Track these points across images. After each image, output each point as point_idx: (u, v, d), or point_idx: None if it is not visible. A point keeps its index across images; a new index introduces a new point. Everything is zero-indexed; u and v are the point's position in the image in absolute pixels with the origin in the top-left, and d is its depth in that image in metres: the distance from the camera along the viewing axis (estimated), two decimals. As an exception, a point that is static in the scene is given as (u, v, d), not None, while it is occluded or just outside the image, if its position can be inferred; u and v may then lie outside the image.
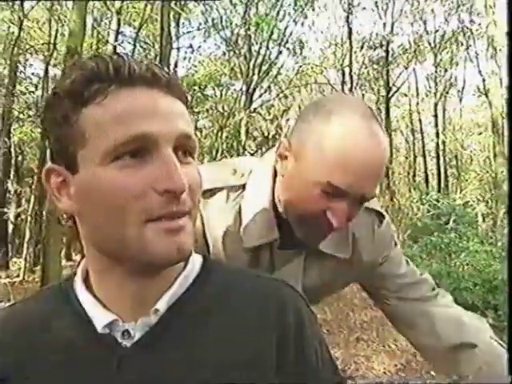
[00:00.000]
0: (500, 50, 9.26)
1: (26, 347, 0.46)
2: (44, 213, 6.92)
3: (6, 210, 9.57)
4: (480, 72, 11.95)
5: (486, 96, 9.75)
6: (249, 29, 10.60)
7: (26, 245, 9.18)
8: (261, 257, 0.81)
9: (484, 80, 10.74)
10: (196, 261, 0.51)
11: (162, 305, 0.45)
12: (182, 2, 10.87)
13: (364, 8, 12.39)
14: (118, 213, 0.41)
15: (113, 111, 0.41)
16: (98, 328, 0.45)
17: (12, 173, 10.72)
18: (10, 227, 11.87)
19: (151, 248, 0.41)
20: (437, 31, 13.03)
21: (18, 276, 8.14)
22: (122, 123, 0.41)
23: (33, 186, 10.54)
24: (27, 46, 10.55)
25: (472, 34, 12.66)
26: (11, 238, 12.06)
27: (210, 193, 0.80)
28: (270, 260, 0.81)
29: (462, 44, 13.05)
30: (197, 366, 0.44)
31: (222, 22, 11.18)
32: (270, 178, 0.79)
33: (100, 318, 0.46)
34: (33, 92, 11.02)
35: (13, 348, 0.46)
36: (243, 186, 0.81)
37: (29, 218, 9.49)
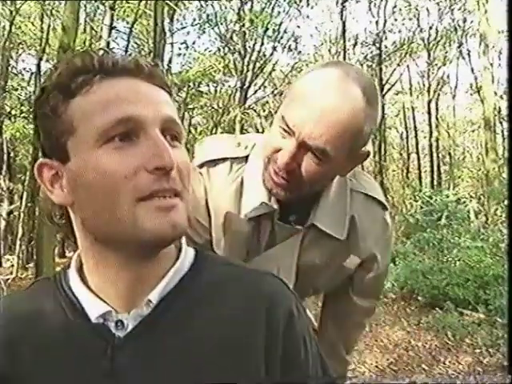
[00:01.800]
0: (493, 47, 9.32)
1: (19, 338, 0.47)
2: (37, 210, 6.88)
3: (-2, 206, 9.49)
4: (472, 69, 12.04)
5: (479, 93, 9.82)
6: (243, 25, 10.56)
7: (18, 242, 9.11)
8: (262, 229, 0.82)
9: (476, 78, 10.81)
10: (188, 253, 0.52)
11: (154, 296, 0.46)
12: (176, -2, 10.80)
13: (358, 1, 12.36)
14: (111, 194, 0.42)
15: (98, 99, 0.43)
16: (92, 318, 0.46)
17: (4, 169, 10.61)
18: (3, 224, 11.77)
19: (144, 225, 0.42)
20: (430, 28, 13.08)
21: (11, 273, 8.09)
22: (106, 108, 0.42)
23: (25, 183, 10.44)
24: (18, 41, 10.42)
25: (464, 31, 12.72)
26: (3, 234, 11.96)
27: (214, 163, 0.83)
28: (270, 233, 0.82)
29: (454, 41, 13.11)
30: (189, 356, 0.45)
31: (216, 17, 11.12)
32: None
33: (94, 308, 0.46)
34: (25, 87, 10.90)
35: (6, 340, 0.47)
36: (246, 158, 0.83)
37: (21, 215, 9.42)
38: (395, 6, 12.76)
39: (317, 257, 0.84)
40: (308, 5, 10.72)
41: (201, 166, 0.84)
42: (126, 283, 0.46)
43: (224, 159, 0.83)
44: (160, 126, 0.44)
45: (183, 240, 0.52)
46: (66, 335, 0.46)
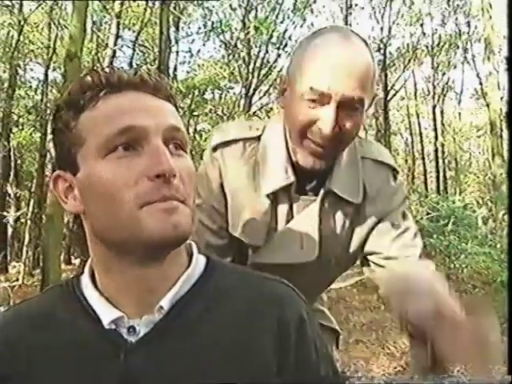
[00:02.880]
0: (499, 51, 9.32)
1: (32, 345, 0.48)
2: (43, 216, 6.92)
3: (5, 213, 9.57)
4: (478, 74, 12.01)
5: (484, 99, 9.79)
6: (248, 32, 10.65)
7: (25, 248, 9.17)
8: (279, 204, 0.84)
9: (481, 83, 10.79)
10: (199, 260, 0.53)
11: (165, 302, 0.47)
12: (182, 6, 10.92)
13: (362, 8, 12.45)
14: (115, 202, 0.44)
15: (103, 112, 0.46)
16: (105, 324, 0.47)
17: (11, 176, 10.72)
18: (10, 231, 11.86)
19: (147, 228, 0.44)
20: (434, 34, 13.10)
21: (17, 280, 8.13)
22: (111, 119, 0.45)
23: (32, 190, 10.54)
24: (26, 50, 10.58)
25: (469, 36, 12.72)
26: (10, 241, 12.04)
27: (227, 145, 0.85)
28: (288, 208, 0.84)
29: (459, 47, 13.12)
30: (199, 362, 0.46)
31: (221, 25, 11.23)
32: (282, 127, 0.84)
33: (106, 314, 0.47)
34: (32, 96, 11.04)
35: (20, 347, 0.48)
36: (259, 138, 0.85)
37: (28, 222, 9.49)
38: (398, 12, 12.81)
39: (335, 223, 0.85)
40: (312, 13, 10.79)
41: (214, 149, 0.86)
42: (137, 289, 0.47)
43: (236, 140, 0.85)
44: (162, 135, 0.46)
45: (194, 247, 0.53)
46: (78, 340, 0.47)
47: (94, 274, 0.51)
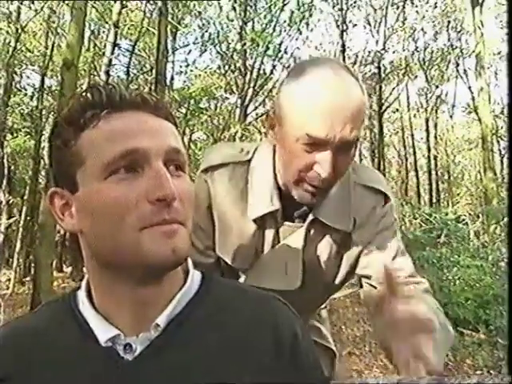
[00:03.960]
0: (488, 68, 9.49)
1: (29, 363, 0.47)
2: (35, 224, 6.85)
3: (-4, 220, 9.46)
4: (470, 88, 12.21)
5: (476, 113, 9.94)
6: (245, 44, 10.75)
7: (16, 256, 9.04)
8: (266, 229, 0.83)
9: (473, 98, 10.97)
10: (195, 277, 0.53)
11: (162, 320, 0.47)
12: (179, 16, 11.03)
13: (355, 25, 12.65)
14: (115, 223, 0.44)
15: (105, 132, 0.46)
16: (101, 342, 0.47)
17: (4, 183, 10.63)
18: (1, 238, 11.71)
19: (147, 251, 0.44)
20: (426, 49, 13.33)
21: (7, 288, 8.00)
22: (113, 141, 0.45)
23: (25, 197, 10.45)
24: (23, 58, 10.58)
25: (462, 51, 12.97)
26: (1, 248, 11.88)
27: (217, 168, 0.85)
28: (274, 233, 0.83)
29: (450, 61, 13.36)
30: (196, 378, 0.46)
31: (218, 36, 11.33)
32: (271, 152, 0.83)
33: (103, 332, 0.47)
34: (28, 103, 11.01)
35: (15, 363, 0.47)
36: (249, 162, 0.85)
37: (20, 229, 9.38)
38: (392, 27, 13.04)
39: (322, 250, 0.84)
40: (308, 26, 10.94)
41: (205, 171, 0.87)
42: (133, 308, 0.47)
43: (227, 164, 0.85)
44: (163, 157, 0.46)
45: (190, 264, 0.54)
46: (74, 358, 0.47)
47: (90, 290, 0.51)
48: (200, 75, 12.13)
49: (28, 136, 9.47)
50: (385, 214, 0.85)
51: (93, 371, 0.46)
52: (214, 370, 0.46)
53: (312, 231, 0.83)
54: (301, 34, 11.16)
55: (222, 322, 0.50)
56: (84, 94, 0.48)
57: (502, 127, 12.02)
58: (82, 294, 0.51)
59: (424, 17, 12.96)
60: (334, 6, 12.26)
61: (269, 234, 0.84)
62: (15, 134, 9.93)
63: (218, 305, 0.51)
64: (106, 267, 0.47)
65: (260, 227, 0.83)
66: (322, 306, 1.08)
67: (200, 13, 11.29)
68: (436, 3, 12.54)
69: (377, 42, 12.98)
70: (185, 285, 0.51)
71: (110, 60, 9.71)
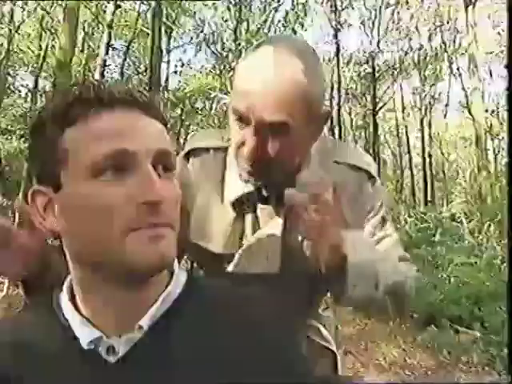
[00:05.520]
0: (483, 66, 9.55)
1: (13, 362, 0.47)
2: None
3: (-9, 222, 9.37)
4: (463, 88, 12.28)
5: (469, 112, 10.01)
6: (239, 44, 10.75)
7: (11, 258, 8.97)
8: (245, 214, 0.82)
9: (467, 96, 11.03)
10: (180, 277, 0.52)
11: (145, 321, 0.46)
12: (174, 16, 11.01)
13: (350, 25, 12.69)
14: (100, 225, 0.42)
15: (93, 130, 0.43)
16: (83, 344, 0.46)
17: (-2, 185, 10.55)
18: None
19: (133, 256, 0.42)
20: (420, 49, 13.39)
21: (1, 290, 7.94)
22: (101, 141, 0.43)
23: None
24: (16, 59, 10.52)
25: (456, 51, 13.04)
26: (-4, 251, 11.78)
27: (197, 153, 0.85)
28: (253, 218, 0.82)
29: (443, 60, 13.43)
30: (179, 380, 0.45)
31: (214, 36, 11.32)
32: None
33: (85, 334, 0.46)
34: (21, 104, 10.95)
35: (2, 366, 0.47)
36: (227, 149, 0.83)
37: (14, 231, 9.29)
38: (387, 28, 13.09)
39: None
40: (302, 26, 10.96)
41: (185, 155, 0.86)
42: (116, 310, 0.46)
43: (207, 149, 0.85)
44: (152, 159, 0.44)
45: (175, 264, 0.52)
46: (57, 360, 0.46)
47: (73, 291, 0.49)
48: (195, 75, 12.11)
49: (21, 138, 9.40)
50: (372, 196, 0.81)
51: (75, 374, 0.45)
52: (198, 373, 0.45)
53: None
54: (295, 33, 11.18)
55: (205, 324, 0.49)
56: (71, 89, 0.45)
57: (492, 125, 12.11)
58: (64, 296, 0.50)
59: (418, 18, 13.03)
60: (327, 3, 12.25)
61: (248, 218, 0.82)
62: (9, 137, 9.86)
63: (202, 306, 0.50)
64: (88, 270, 0.46)
65: (239, 212, 0.82)
66: (323, 306, 1.05)
67: (195, 13, 11.28)
68: (430, 3, 12.62)
69: (371, 41, 13.03)
70: (169, 285, 0.50)
71: (105, 61, 9.68)
